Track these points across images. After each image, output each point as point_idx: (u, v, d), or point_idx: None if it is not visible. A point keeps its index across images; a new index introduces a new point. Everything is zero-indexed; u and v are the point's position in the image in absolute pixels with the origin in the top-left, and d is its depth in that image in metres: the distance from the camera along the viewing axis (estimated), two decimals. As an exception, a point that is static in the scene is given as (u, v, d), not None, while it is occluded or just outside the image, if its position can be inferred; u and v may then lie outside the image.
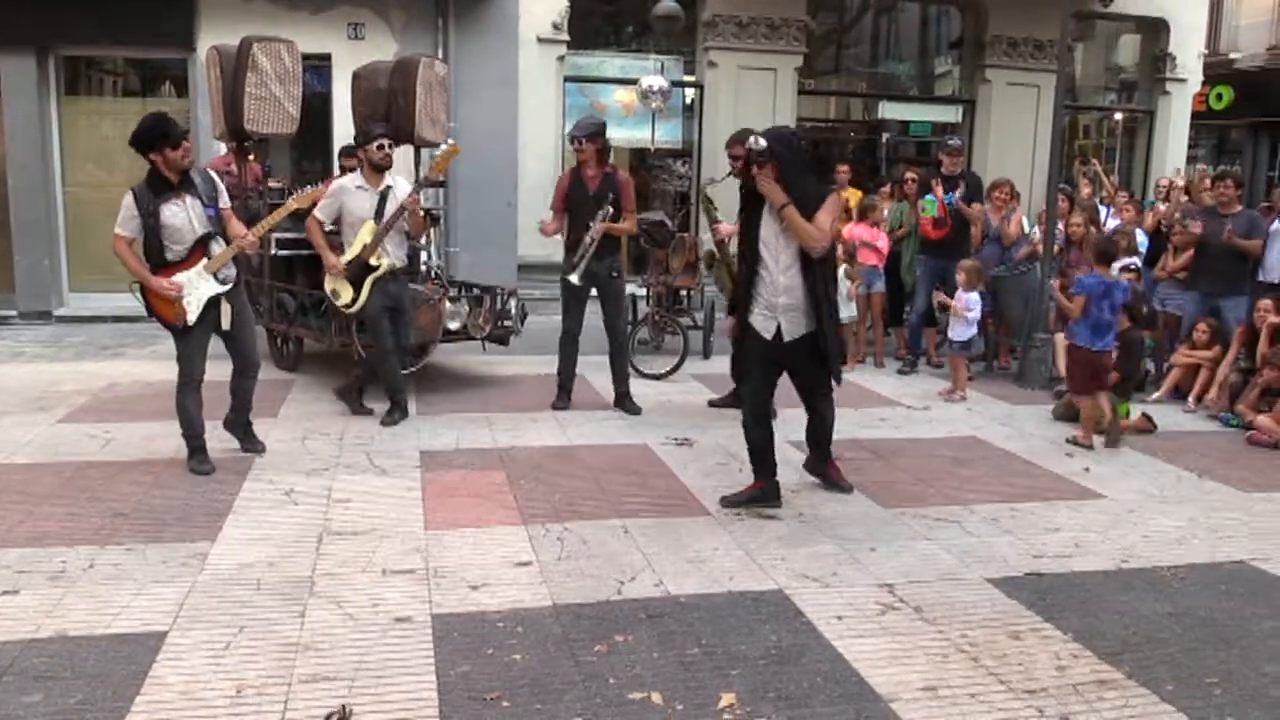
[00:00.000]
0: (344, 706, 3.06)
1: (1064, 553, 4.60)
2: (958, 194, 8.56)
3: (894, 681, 3.35)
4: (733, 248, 7.22)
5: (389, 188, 6.50)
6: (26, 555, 4.24)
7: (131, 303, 10.76)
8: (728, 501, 5.13)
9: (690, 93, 12.92)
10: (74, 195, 11.09)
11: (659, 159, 13.15)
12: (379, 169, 6.49)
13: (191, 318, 5.31)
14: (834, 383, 5.24)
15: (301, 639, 3.54)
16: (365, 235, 6.41)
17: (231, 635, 3.55)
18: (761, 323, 5.03)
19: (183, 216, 5.24)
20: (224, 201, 5.45)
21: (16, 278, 10.77)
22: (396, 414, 6.64)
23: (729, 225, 7.11)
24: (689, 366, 8.35)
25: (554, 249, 11.88)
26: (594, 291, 7.02)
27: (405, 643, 3.53)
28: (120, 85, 12.11)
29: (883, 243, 9.03)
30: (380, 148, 6.47)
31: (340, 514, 4.85)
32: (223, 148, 9.25)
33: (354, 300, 6.49)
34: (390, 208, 6.44)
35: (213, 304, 5.36)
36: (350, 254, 6.46)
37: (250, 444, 5.86)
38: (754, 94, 12.37)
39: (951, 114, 14.25)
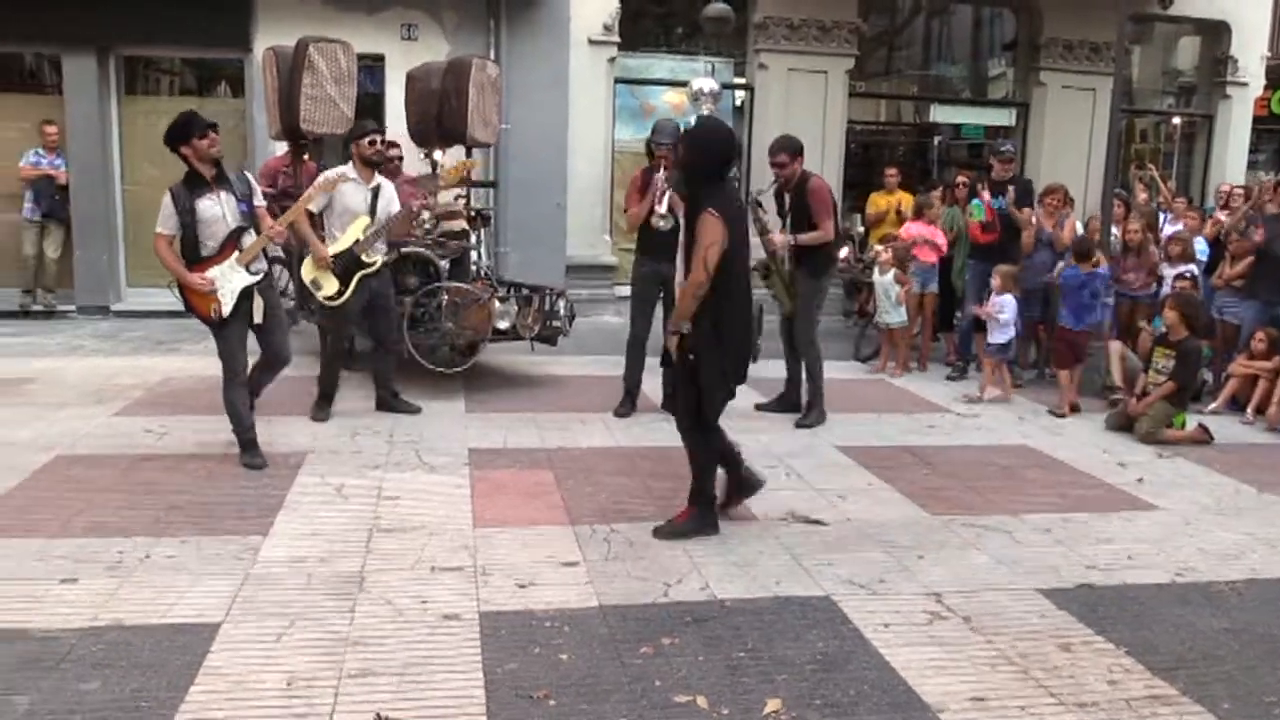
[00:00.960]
0: (377, 715, 3.08)
1: (1117, 564, 4.52)
2: (1007, 199, 8.45)
3: (942, 691, 3.32)
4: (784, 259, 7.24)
5: (378, 185, 6.58)
6: (85, 545, 4.33)
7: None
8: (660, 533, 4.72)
9: (740, 95, 12.88)
10: (132, 193, 11.31)
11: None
12: (370, 164, 6.56)
13: (226, 310, 5.43)
14: (694, 415, 4.75)
15: (351, 634, 3.58)
16: (357, 231, 6.46)
17: (283, 628, 3.60)
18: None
19: (217, 210, 5.39)
20: (258, 200, 5.64)
21: (76, 273, 11.00)
22: (324, 410, 6.70)
23: (781, 236, 7.09)
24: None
25: (602, 250, 12.01)
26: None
27: (453, 639, 3.56)
28: (177, 85, 12.33)
29: (941, 239, 8.95)
30: (372, 143, 6.54)
31: (390, 511, 4.90)
32: (278, 148, 9.39)
33: (337, 294, 6.53)
34: (381, 204, 6.50)
35: (245, 297, 5.49)
36: (338, 247, 6.50)
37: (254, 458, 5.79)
38: (804, 96, 12.30)
39: (1004, 117, 14.07)
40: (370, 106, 10.62)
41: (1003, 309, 7.85)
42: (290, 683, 3.23)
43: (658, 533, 4.67)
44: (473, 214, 8.55)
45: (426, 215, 8.45)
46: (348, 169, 6.63)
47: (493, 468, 5.67)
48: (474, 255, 8.46)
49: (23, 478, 5.24)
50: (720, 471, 4.89)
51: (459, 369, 7.44)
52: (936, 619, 3.88)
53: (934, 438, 6.73)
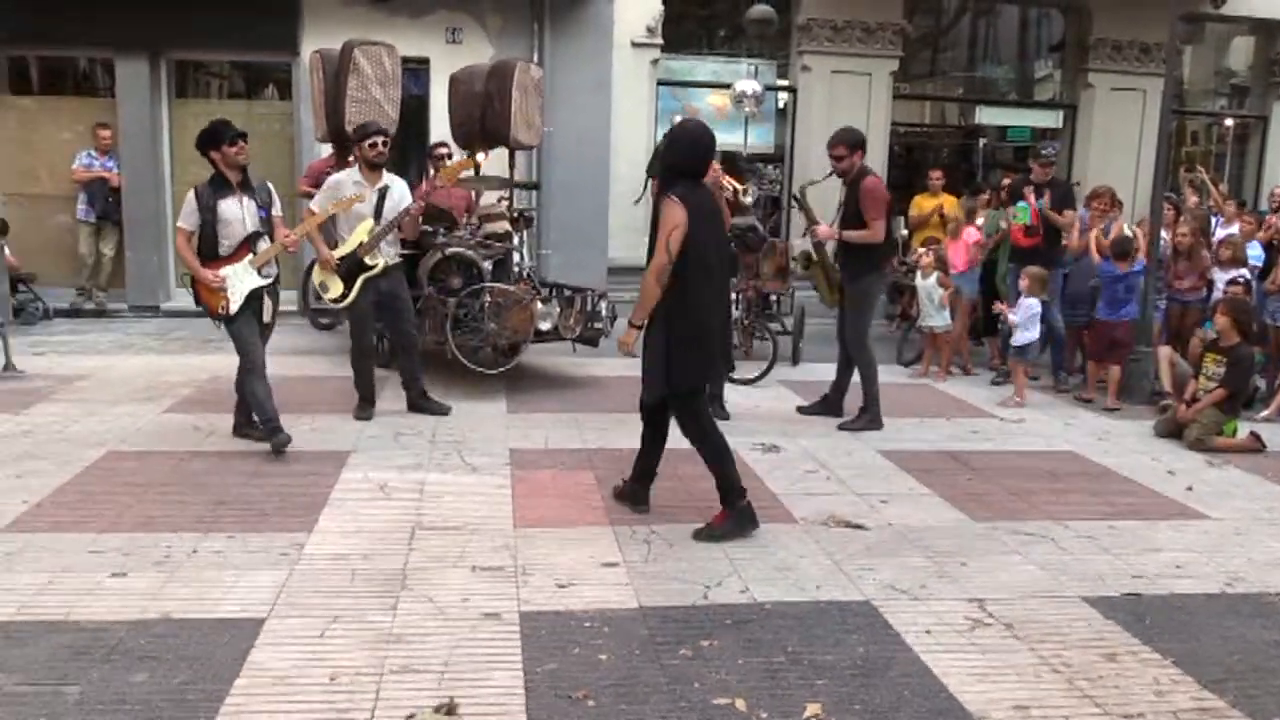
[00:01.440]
0: (451, 699, 3.12)
1: (1165, 573, 4.45)
2: (1045, 201, 8.38)
3: (984, 699, 3.29)
4: (830, 249, 7.21)
5: (386, 186, 6.58)
6: (135, 540, 4.41)
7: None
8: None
9: (783, 97, 12.84)
10: (182, 194, 11.41)
11: (750, 163, 13.08)
12: (374, 166, 6.57)
13: (234, 307, 5.71)
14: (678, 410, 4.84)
15: (393, 630, 3.61)
16: (362, 233, 6.50)
17: (326, 624, 3.65)
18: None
19: (237, 213, 5.71)
20: (276, 210, 5.95)
21: (127, 273, 11.22)
22: (367, 410, 6.75)
23: (826, 229, 7.06)
24: (777, 372, 8.31)
25: (644, 253, 12.00)
26: None
27: (494, 639, 3.58)
28: (226, 88, 12.54)
29: (977, 238, 8.90)
30: (373, 145, 6.54)
31: (432, 509, 4.94)
32: (324, 149, 9.51)
33: (343, 295, 6.59)
34: (387, 206, 6.52)
35: (255, 297, 5.78)
36: (343, 250, 6.54)
37: (254, 430, 6.09)
38: (848, 98, 12.24)
39: (1052, 119, 13.89)
40: (415, 109, 10.73)
41: (1024, 310, 7.80)
42: (333, 678, 3.27)
43: (697, 535, 4.67)
44: (515, 216, 8.60)
45: (471, 217, 8.53)
46: (353, 172, 6.65)
47: (534, 468, 5.70)
48: (516, 257, 8.51)
49: (75, 472, 5.35)
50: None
51: (501, 370, 7.48)
52: (979, 625, 3.84)
53: (978, 443, 6.66)
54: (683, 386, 4.71)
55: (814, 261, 7.35)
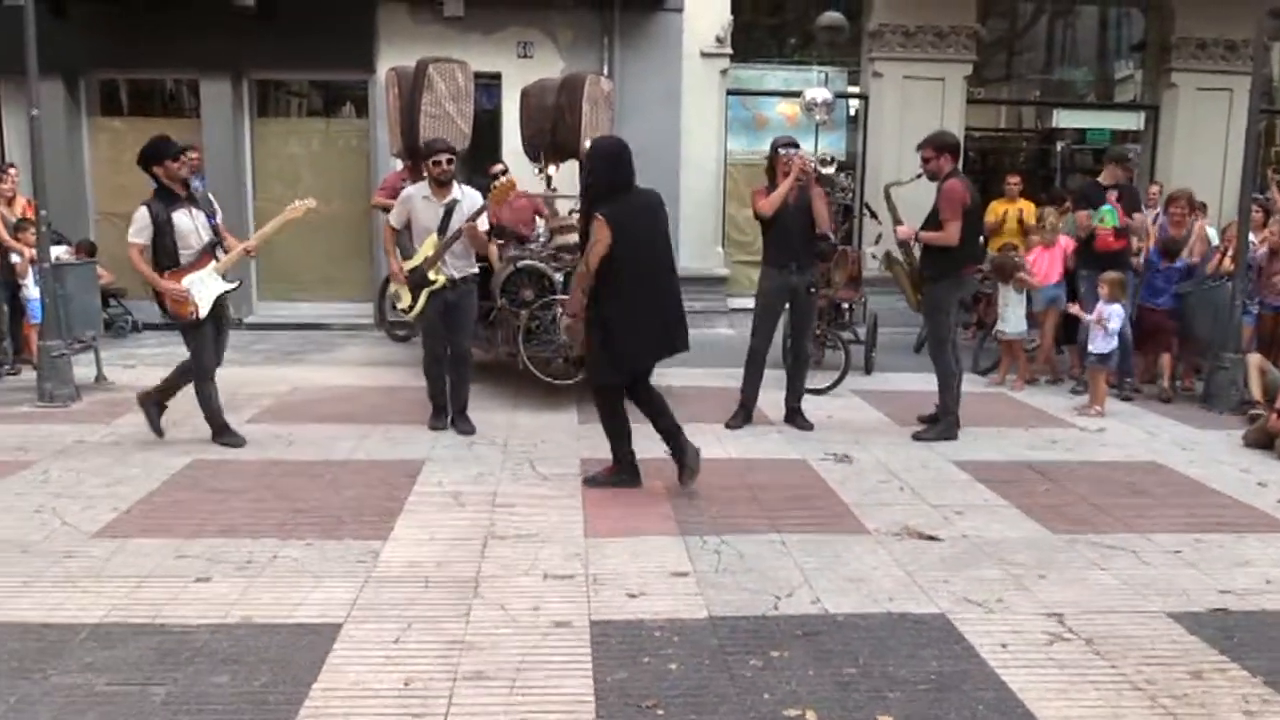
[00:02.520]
0: None
1: (1254, 589, 4.30)
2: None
3: (1062, 716, 3.21)
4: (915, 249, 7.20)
5: (455, 201, 6.60)
6: (218, 545, 4.54)
7: (313, 312, 11.42)
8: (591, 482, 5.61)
9: (855, 104, 12.75)
10: (263, 210, 11.82)
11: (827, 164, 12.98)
12: (440, 183, 6.61)
13: (203, 312, 6.00)
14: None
15: (466, 637, 3.66)
16: (427, 248, 6.57)
17: (401, 630, 3.71)
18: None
19: (190, 224, 5.99)
20: (219, 219, 6.28)
21: (212, 287, 11.55)
22: (441, 419, 6.81)
23: (906, 228, 7.06)
24: (850, 381, 8.23)
25: (715, 263, 12.01)
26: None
27: (564, 646, 3.61)
28: (305, 106, 12.87)
29: (1066, 243, 8.73)
30: (436, 163, 6.59)
31: (504, 518, 4.99)
32: (398, 163, 9.70)
33: (410, 307, 6.71)
34: (455, 221, 6.54)
35: (218, 303, 6.11)
36: (411, 263, 6.62)
37: (230, 438, 6.32)
38: (921, 104, 12.09)
39: (1133, 121, 13.54)
40: (487, 123, 10.90)
41: (1111, 317, 7.59)
42: (408, 683, 3.32)
43: (587, 482, 5.55)
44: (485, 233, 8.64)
45: (541, 229, 8.63)
46: (423, 187, 6.73)
47: (604, 478, 5.72)
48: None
49: (162, 481, 5.53)
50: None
51: (572, 381, 7.53)
52: (1057, 640, 3.75)
53: (1056, 453, 6.51)
54: (595, 381, 5.62)
55: (895, 261, 7.39)
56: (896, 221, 7.26)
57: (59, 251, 8.67)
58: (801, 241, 6.77)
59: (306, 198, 6.52)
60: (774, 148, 7.01)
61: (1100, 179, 8.51)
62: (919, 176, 7.06)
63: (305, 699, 3.21)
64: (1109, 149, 10.74)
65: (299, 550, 4.52)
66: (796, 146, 6.94)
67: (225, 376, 8.53)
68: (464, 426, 6.75)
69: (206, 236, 6.05)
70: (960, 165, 11.71)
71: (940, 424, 6.81)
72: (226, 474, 5.68)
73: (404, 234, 6.73)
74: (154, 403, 6.40)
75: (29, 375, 8.05)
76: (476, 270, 6.87)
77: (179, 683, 3.30)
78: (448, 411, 6.88)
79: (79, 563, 4.32)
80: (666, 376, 8.43)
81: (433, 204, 6.60)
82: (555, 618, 3.84)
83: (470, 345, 6.98)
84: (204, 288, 6.00)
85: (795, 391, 7.09)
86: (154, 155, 5.92)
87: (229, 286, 6.16)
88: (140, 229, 5.90)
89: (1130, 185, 8.69)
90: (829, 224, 7.02)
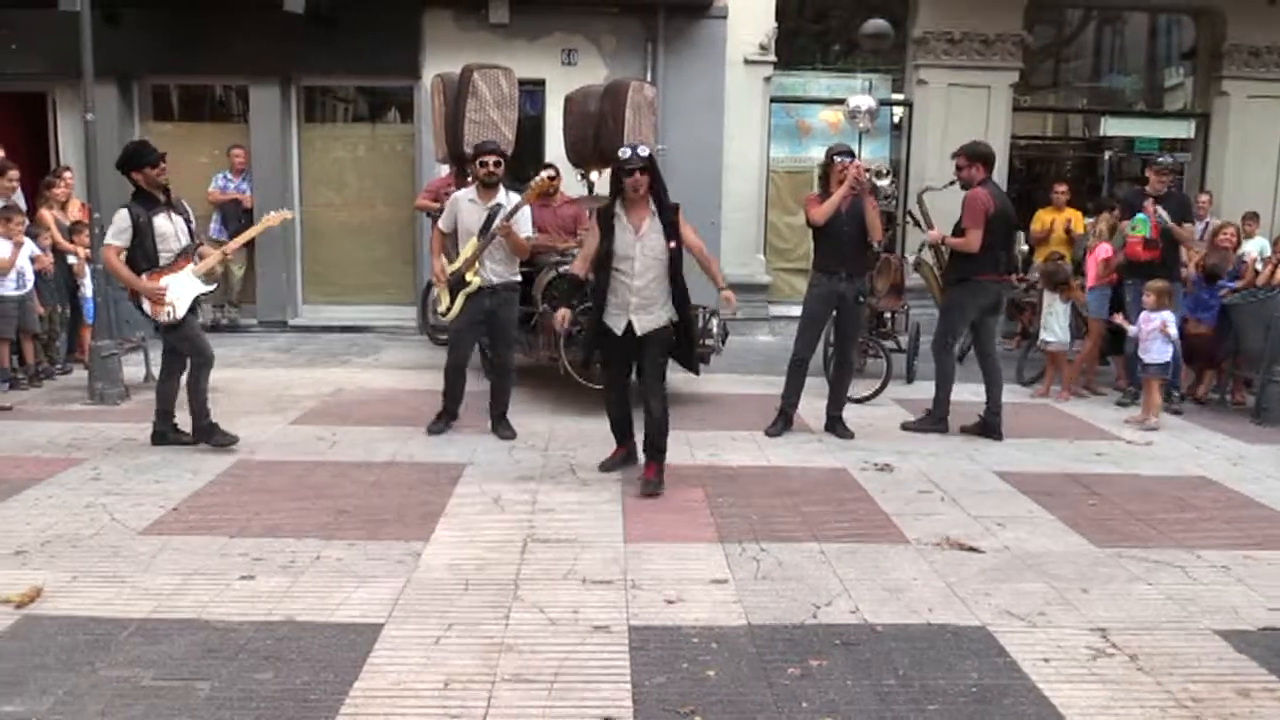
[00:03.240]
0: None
1: (1305, 607, 4.21)
2: (1162, 213, 8.04)
3: (1107, 731, 3.17)
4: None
5: (499, 205, 6.60)
6: (262, 544, 4.61)
7: (357, 315, 11.55)
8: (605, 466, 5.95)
9: (898, 112, 12.67)
10: (309, 214, 12.00)
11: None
12: (487, 185, 6.64)
13: (179, 313, 6.10)
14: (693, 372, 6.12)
15: (505, 639, 3.68)
16: (468, 251, 6.59)
17: (441, 631, 3.74)
18: (613, 320, 5.63)
19: (170, 227, 6.12)
20: (193, 224, 6.41)
21: (258, 290, 11.73)
22: (443, 422, 6.83)
23: (935, 232, 7.29)
24: (891, 390, 8.18)
25: (756, 270, 11.99)
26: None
27: (603, 651, 3.62)
28: (351, 112, 13.02)
29: (1108, 253, 8.59)
30: (483, 165, 6.61)
31: (544, 522, 5.02)
32: (442, 169, 9.79)
33: (448, 310, 6.74)
34: (497, 224, 6.53)
35: (196, 301, 6.22)
36: (454, 265, 6.66)
37: (223, 437, 6.27)
38: (966, 112, 11.99)
39: (1183, 129, 13.33)
40: (531, 130, 10.96)
41: (1151, 324, 7.48)
42: (447, 684, 3.35)
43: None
44: (524, 237, 8.66)
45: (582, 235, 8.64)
46: (470, 190, 6.77)
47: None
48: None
49: (208, 480, 5.62)
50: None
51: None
52: (1101, 656, 3.70)
53: (1102, 465, 6.42)
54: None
55: (924, 263, 7.51)
56: (928, 225, 7.35)
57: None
58: (852, 249, 6.74)
59: (284, 209, 6.93)
60: (829, 155, 6.97)
61: (1149, 188, 8.39)
62: (952, 183, 7.23)
63: (346, 698, 3.25)
64: (1150, 156, 10.58)
65: (341, 550, 4.57)
66: (852, 155, 6.92)
67: (270, 378, 8.70)
68: (504, 432, 6.78)
69: (185, 240, 6.20)
70: (1007, 174, 11.70)
71: (929, 418, 7.13)
72: (271, 474, 5.76)
73: (450, 238, 6.78)
74: (206, 429, 6.22)
75: (80, 375, 8.21)
76: (519, 278, 6.88)
77: (223, 678, 3.35)
78: (455, 416, 6.90)
79: (127, 559, 4.41)
80: (707, 384, 8.46)
81: (478, 206, 6.64)
82: (594, 622, 3.85)
83: (512, 354, 6.98)
84: (182, 289, 6.10)
85: (837, 400, 7.05)
86: (134, 161, 6.05)
87: (206, 289, 6.30)
88: (119, 231, 5.98)
89: (1176, 193, 8.53)
90: (880, 234, 6.96)
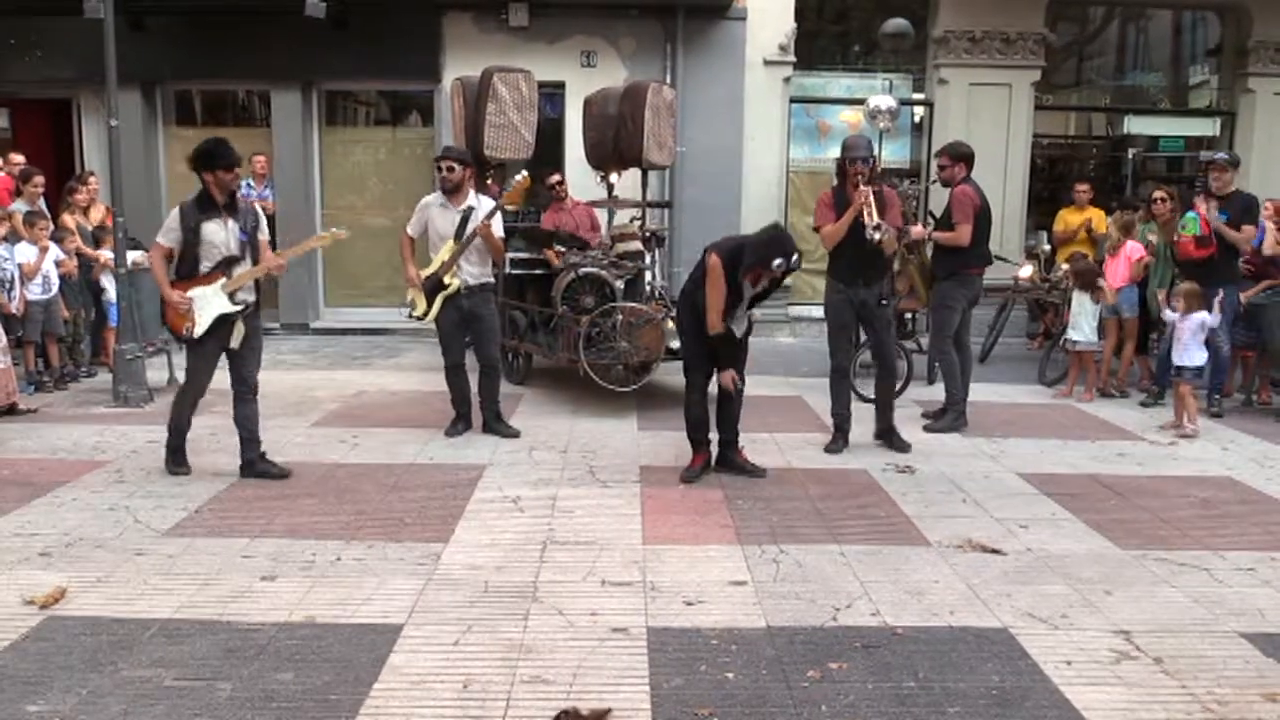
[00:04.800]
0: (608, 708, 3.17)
1: (1334, 609, 4.15)
2: (1215, 211, 7.86)
3: (1130, 735, 3.14)
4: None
5: (470, 208, 6.61)
6: (283, 545, 4.63)
7: (378, 317, 11.61)
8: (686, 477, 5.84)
9: (919, 111, 12.61)
10: (331, 217, 12.04)
11: (885, 179, 12.86)
12: (448, 191, 6.65)
13: (198, 331, 5.55)
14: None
15: (524, 641, 3.69)
16: (444, 253, 6.59)
17: (460, 633, 3.75)
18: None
19: (220, 235, 5.55)
20: (263, 234, 5.78)
21: (280, 293, 11.80)
22: (460, 426, 6.84)
23: (919, 228, 7.41)
24: (912, 391, 8.13)
25: (775, 270, 11.93)
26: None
27: (621, 653, 3.62)
28: (372, 116, 13.09)
29: (1141, 255, 8.48)
30: (438, 169, 6.68)
31: (563, 524, 5.02)
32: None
33: (425, 313, 6.73)
34: (471, 228, 6.56)
35: (222, 323, 5.58)
36: (428, 269, 6.65)
37: (271, 468, 5.83)
38: (987, 111, 11.93)
39: (1208, 127, 13.20)
40: (550, 132, 10.98)
41: (1191, 324, 7.35)
42: (466, 685, 3.36)
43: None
44: (647, 235, 8.69)
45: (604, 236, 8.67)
46: (439, 195, 6.78)
47: (664, 485, 5.73)
48: (648, 276, 8.60)
49: (230, 482, 5.66)
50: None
51: (632, 388, 7.55)
52: (1124, 658, 3.66)
53: (1125, 467, 6.36)
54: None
55: (908, 261, 7.55)
56: (908, 223, 7.42)
57: (135, 256, 8.90)
58: (867, 257, 6.36)
59: (337, 228, 6.46)
60: (842, 154, 6.50)
61: (1213, 188, 8.17)
62: (933, 182, 7.41)
63: (366, 698, 3.26)
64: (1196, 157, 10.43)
65: (361, 551, 4.59)
66: (869, 158, 6.43)
67: (292, 381, 8.75)
68: (504, 431, 6.81)
69: (234, 250, 5.58)
70: (1028, 173, 11.67)
71: (949, 414, 7.13)
72: (293, 476, 5.79)
73: (424, 241, 6.83)
74: (255, 456, 5.87)
75: (105, 378, 8.29)
76: (492, 279, 6.88)
77: (244, 679, 3.37)
78: (469, 421, 6.91)
79: (150, 560, 4.44)
80: (715, 385, 8.43)
81: (449, 211, 6.67)
82: (613, 624, 3.85)
83: (497, 352, 6.94)
84: (206, 305, 5.55)
85: (885, 410, 6.72)
86: (206, 161, 5.51)
87: (233, 309, 5.58)
88: (167, 230, 5.59)
89: (1242, 193, 8.22)
90: (892, 248, 6.59)
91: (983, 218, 7.07)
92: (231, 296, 5.60)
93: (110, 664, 3.46)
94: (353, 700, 3.24)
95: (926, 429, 7.10)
